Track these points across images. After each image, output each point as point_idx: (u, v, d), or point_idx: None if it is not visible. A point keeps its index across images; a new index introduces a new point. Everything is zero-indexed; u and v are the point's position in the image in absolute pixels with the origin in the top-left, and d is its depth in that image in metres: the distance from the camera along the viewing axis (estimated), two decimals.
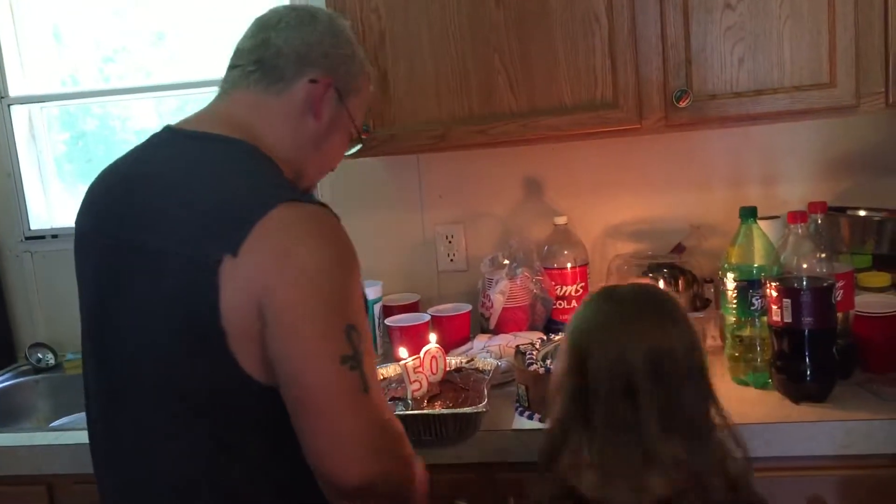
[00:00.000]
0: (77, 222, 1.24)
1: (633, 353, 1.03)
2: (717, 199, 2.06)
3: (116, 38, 2.39)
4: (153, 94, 2.37)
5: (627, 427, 1.02)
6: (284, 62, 1.18)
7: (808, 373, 1.48)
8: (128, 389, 1.12)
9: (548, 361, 1.55)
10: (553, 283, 1.97)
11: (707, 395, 1.08)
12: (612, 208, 2.13)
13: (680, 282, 1.85)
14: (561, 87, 1.74)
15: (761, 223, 1.65)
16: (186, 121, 1.22)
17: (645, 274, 1.87)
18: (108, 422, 1.18)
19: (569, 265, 1.97)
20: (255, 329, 1.01)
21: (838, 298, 1.52)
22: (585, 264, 2.00)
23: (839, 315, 1.54)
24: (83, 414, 1.26)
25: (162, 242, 1.06)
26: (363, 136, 1.34)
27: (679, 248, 2.01)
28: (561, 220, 1.99)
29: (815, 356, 1.48)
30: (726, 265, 1.63)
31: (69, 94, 2.41)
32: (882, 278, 1.70)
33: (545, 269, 1.98)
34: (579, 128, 1.75)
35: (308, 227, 1.04)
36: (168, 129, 1.21)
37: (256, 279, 1.00)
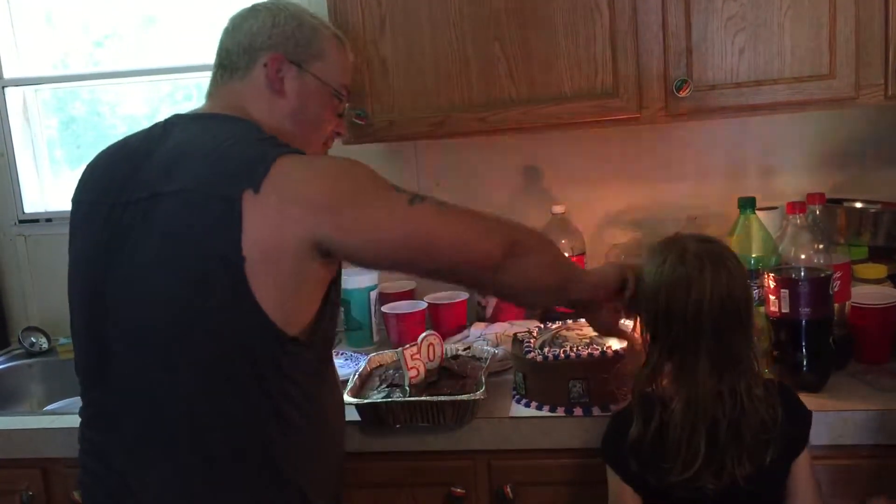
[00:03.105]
0: (76, 196, 1.28)
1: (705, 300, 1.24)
2: (715, 189, 2.07)
3: (107, 22, 2.37)
4: (146, 77, 2.35)
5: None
6: (236, 58, 1.30)
7: (805, 363, 1.49)
8: (145, 339, 1.14)
9: (545, 350, 1.55)
10: None
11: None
12: (610, 198, 2.13)
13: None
14: (561, 75, 1.74)
15: (760, 214, 1.66)
16: (185, 112, 1.30)
17: None
18: (121, 379, 1.18)
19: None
20: (285, 259, 1.09)
21: (835, 289, 1.52)
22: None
23: (836, 306, 1.55)
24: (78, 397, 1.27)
25: (179, 185, 1.13)
26: (343, 95, 1.38)
27: None
28: (558, 209, 1.99)
29: (812, 346, 1.48)
30: None
31: (65, 76, 2.40)
32: (878, 270, 1.71)
33: None
34: (579, 116, 1.75)
35: (321, 160, 1.23)
36: (173, 116, 1.29)
37: (285, 210, 1.08)
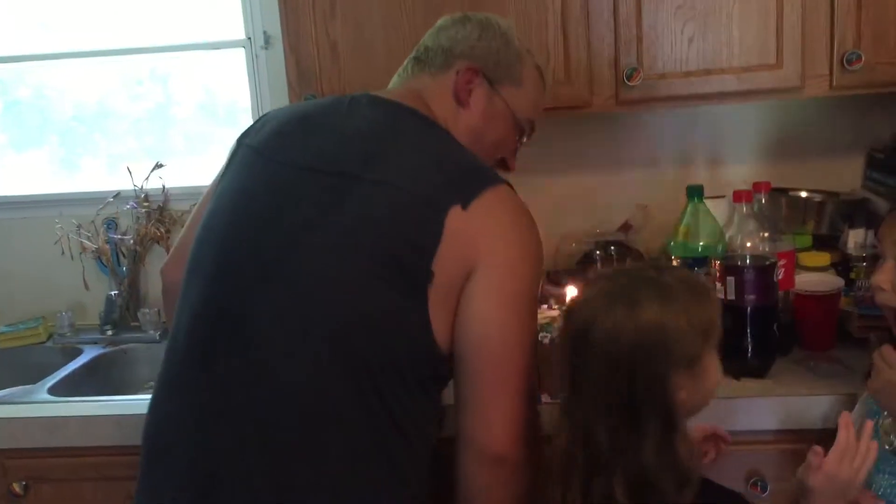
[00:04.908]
0: (243, 139, 1.27)
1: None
2: (664, 178, 2.08)
3: (53, 3, 2.30)
4: (93, 59, 2.27)
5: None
6: (433, 55, 1.30)
7: (750, 349, 1.51)
8: (297, 317, 1.08)
9: None
10: None
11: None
12: (560, 186, 2.13)
13: (626, 260, 1.86)
14: None
15: (708, 202, 1.67)
16: (373, 93, 1.29)
17: (592, 252, 1.88)
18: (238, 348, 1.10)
19: None
20: (457, 282, 1.08)
21: (779, 277, 1.55)
22: None
23: (781, 293, 1.57)
24: (21, 387, 1.22)
25: (381, 175, 1.11)
26: (526, 129, 1.37)
27: (626, 227, 2.02)
28: None
29: (757, 333, 1.50)
30: (672, 243, 1.65)
31: (6, 57, 2.33)
32: (822, 258, 1.73)
33: None
34: None
35: (527, 219, 1.15)
36: (361, 94, 1.28)
37: (478, 237, 1.08)
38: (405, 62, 1.34)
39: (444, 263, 1.06)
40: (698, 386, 1.06)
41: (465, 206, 1.07)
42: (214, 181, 1.30)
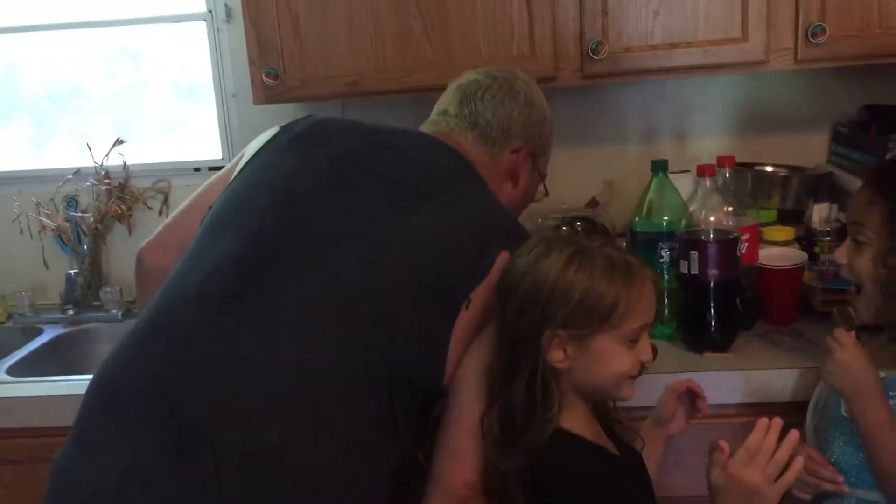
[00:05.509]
0: (305, 125, 1.30)
1: None
2: (631, 154, 2.07)
3: None
4: (65, 35, 2.21)
5: None
6: (496, 134, 1.33)
7: (713, 323, 1.51)
8: (327, 312, 1.10)
9: None
10: None
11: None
12: None
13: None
14: (477, 37, 1.71)
15: (674, 177, 1.67)
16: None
17: (558, 228, 1.87)
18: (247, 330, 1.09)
19: None
20: (479, 323, 1.14)
21: (743, 251, 1.55)
22: None
23: (744, 268, 1.57)
24: None
25: (451, 200, 1.18)
26: (546, 186, 1.47)
27: (593, 203, 2.01)
28: None
29: (719, 307, 1.51)
30: (637, 218, 1.64)
31: None
32: (786, 232, 1.74)
33: None
34: None
35: None
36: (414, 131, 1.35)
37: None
38: (460, 120, 1.34)
39: (479, 300, 1.13)
40: (587, 363, 1.09)
41: (510, 252, 1.13)
42: (233, 163, 1.31)
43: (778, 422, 1.08)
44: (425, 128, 1.37)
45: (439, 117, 1.37)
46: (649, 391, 1.30)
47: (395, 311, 1.11)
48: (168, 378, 1.07)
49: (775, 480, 1.06)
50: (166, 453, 1.02)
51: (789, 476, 1.06)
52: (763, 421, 1.08)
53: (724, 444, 1.10)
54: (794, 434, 1.08)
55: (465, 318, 1.13)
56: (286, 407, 1.05)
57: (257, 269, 1.12)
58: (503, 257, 1.13)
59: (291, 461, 1.03)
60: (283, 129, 1.31)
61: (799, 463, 1.06)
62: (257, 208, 1.18)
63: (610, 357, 1.08)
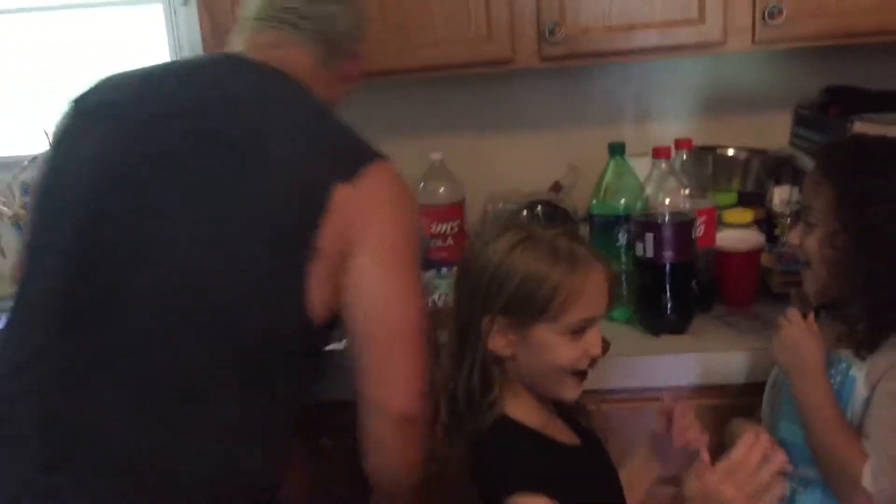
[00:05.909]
0: (96, 98, 1.23)
1: None
2: (594, 137, 2.03)
3: None
4: (23, 19, 2.18)
5: None
6: (340, 39, 1.28)
7: (669, 306, 1.51)
8: (178, 286, 1.07)
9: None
10: (428, 220, 1.92)
11: None
12: (489, 146, 2.10)
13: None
14: (434, 17, 1.69)
15: (634, 161, 1.66)
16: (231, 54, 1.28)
17: (519, 212, 1.86)
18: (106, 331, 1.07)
19: (445, 202, 1.94)
20: (336, 258, 1.09)
21: (699, 234, 1.54)
22: (461, 201, 1.97)
23: (701, 250, 1.57)
24: None
25: (271, 145, 1.11)
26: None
27: (556, 187, 2.00)
28: (436, 156, 1.95)
29: (675, 290, 1.51)
30: (594, 201, 1.63)
31: None
32: (745, 215, 1.73)
33: (420, 206, 1.94)
34: (453, 60, 1.71)
35: (407, 191, 1.21)
36: (219, 55, 1.32)
37: (362, 213, 1.10)
38: (251, 14, 1.28)
39: (328, 238, 1.08)
40: (529, 353, 1.07)
41: (350, 184, 1.09)
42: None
43: (765, 437, 0.99)
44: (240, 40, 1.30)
45: (270, 10, 1.29)
46: (604, 374, 1.29)
47: (243, 288, 1.08)
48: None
49: (752, 499, 0.96)
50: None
51: (767, 500, 0.97)
52: (750, 434, 0.99)
53: (706, 457, 1.02)
54: (780, 455, 0.99)
55: (319, 266, 1.09)
56: (155, 409, 1.05)
57: (86, 300, 1.08)
58: (338, 191, 1.09)
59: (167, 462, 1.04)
60: (75, 105, 1.24)
61: (781, 487, 0.98)
62: (64, 223, 1.13)
63: (550, 348, 1.05)
